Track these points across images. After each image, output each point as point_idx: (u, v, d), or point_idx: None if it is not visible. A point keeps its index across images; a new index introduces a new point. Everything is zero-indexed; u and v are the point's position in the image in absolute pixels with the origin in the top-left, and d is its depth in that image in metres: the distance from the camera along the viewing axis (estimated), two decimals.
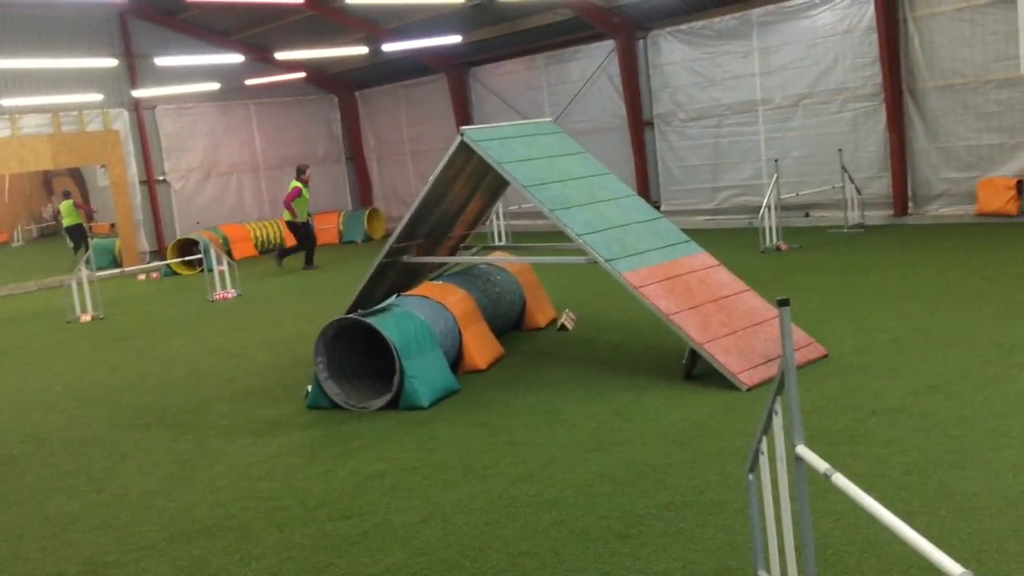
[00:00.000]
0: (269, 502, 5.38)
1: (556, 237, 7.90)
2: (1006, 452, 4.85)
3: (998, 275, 9.64)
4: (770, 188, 13.50)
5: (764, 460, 3.53)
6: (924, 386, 6.17)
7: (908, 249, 12.14)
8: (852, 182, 14.60)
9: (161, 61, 18.90)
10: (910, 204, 15.07)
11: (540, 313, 9.54)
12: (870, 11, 14.75)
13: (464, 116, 21.69)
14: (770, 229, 13.38)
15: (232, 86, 22.10)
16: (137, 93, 20.78)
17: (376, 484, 5.50)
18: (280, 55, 19.65)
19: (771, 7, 16.14)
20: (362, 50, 19.70)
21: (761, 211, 13.49)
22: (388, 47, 18.93)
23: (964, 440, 5.11)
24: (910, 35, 14.56)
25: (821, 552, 3.92)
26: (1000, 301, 8.37)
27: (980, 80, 13.92)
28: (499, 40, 19.88)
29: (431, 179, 8.26)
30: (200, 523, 5.18)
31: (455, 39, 18.61)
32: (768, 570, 3.67)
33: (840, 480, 2.95)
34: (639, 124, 18.60)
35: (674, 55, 17.80)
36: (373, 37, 19.90)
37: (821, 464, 3.11)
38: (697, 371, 6.96)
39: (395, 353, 6.92)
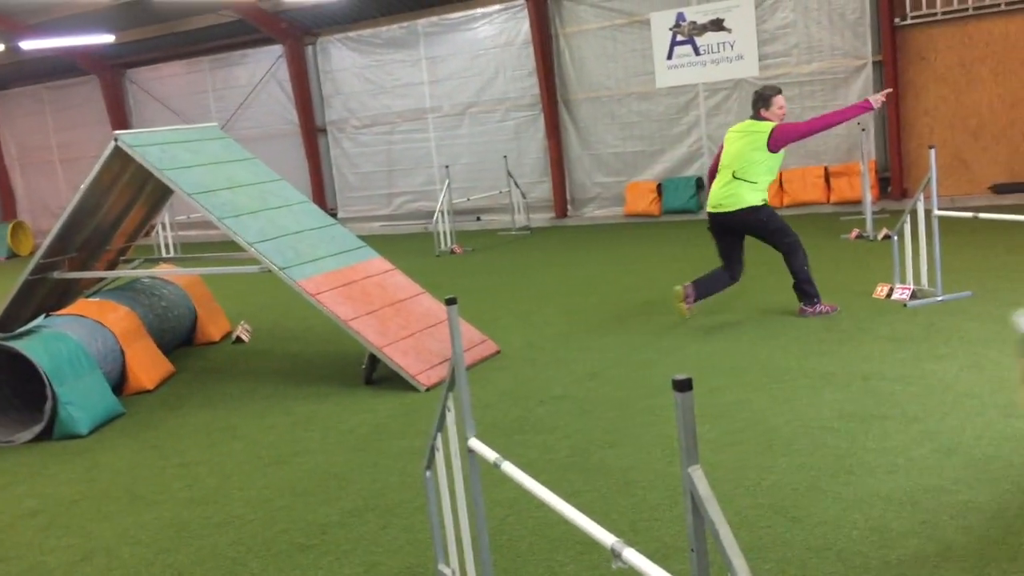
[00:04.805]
0: None
1: (229, 247, 7.61)
2: (653, 429, 5.35)
3: (645, 269, 10.65)
4: (442, 194, 13.93)
5: (440, 456, 3.62)
6: (584, 374, 6.65)
7: (569, 248, 13.07)
8: (517, 187, 15.45)
9: None
10: (569, 207, 16.24)
11: (213, 326, 9.12)
12: (525, 26, 15.70)
13: (121, 120, 20.25)
14: (444, 233, 13.79)
15: None
16: None
17: (27, 524, 4.96)
18: None
19: (435, 18, 16.67)
20: None
21: (435, 216, 13.88)
22: (28, 44, 17.19)
23: (618, 421, 5.57)
24: (562, 50, 15.69)
25: (496, 539, 4.09)
26: (648, 292, 9.24)
27: (622, 93, 15.31)
28: (157, 41, 18.79)
29: (82, 188, 7.62)
30: None
31: (107, 38, 17.30)
32: (448, 563, 3.77)
33: (508, 468, 3.10)
34: (312, 130, 18.41)
35: (344, 62, 17.83)
36: (9, 33, 17.96)
37: (491, 454, 3.24)
38: (377, 375, 7.00)
39: (45, 379, 6.29)
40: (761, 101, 7.49)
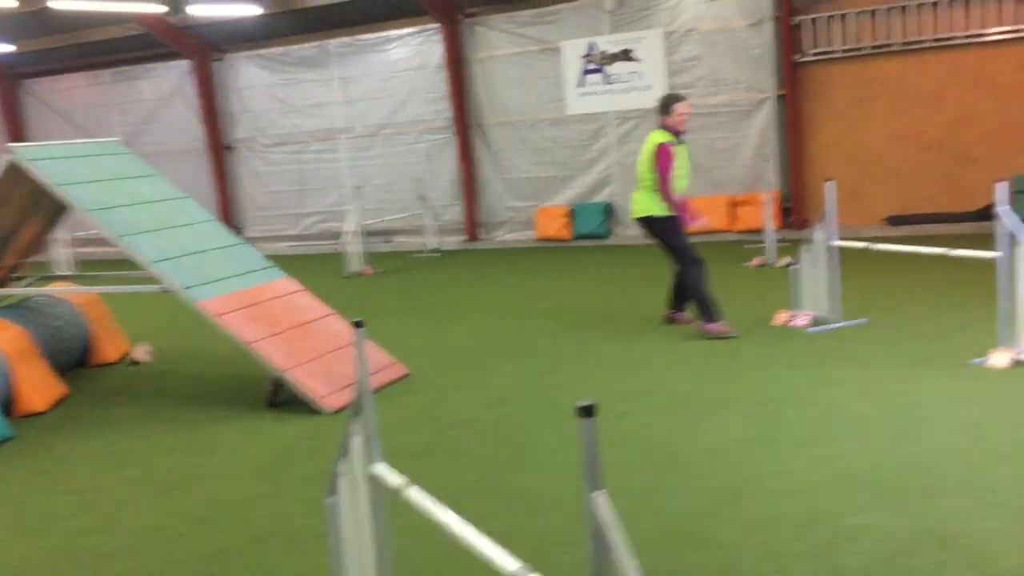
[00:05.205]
0: None
1: (132, 265, 7.38)
2: (562, 454, 5.36)
3: (554, 294, 10.73)
4: (353, 214, 13.80)
5: (344, 482, 3.55)
6: (493, 398, 6.65)
7: (480, 272, 13.08)
8: (429, 209, 15.43)
9: None
10: (480, 230, 16.28)
11: (110, 347, 8.81)
12: (439, 50, 15.75)
13: (17, 133, 19.52)
14: (354, 254, 13.66)
15: None
16: None
17: None
18: None
19: (347, 39, 16.59)
20: None
21: (345, 237, 13.74)
22: None
23: (528, 445, 5.58)
24: (475, 75, 15.77)
25: (400, 566, 4.02)
26: (556, 317, 9.30)
27: (534, 118, 15.46)
28: (58, 52, 18.20)
29: None
30: None
31: (7, 48, 16.68)
32: None
33: (412, 494, 3.07)
34: (219, 148, 18.06)
35: (254, 79, 17.58)
36: None
37: (396, 480, 3.21)
38: (283, 398, 6.86)
39: None
40: (662, 108, 7.84)
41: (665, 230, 7.82)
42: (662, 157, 7.65)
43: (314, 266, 14.45)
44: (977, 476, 4.53)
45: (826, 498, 4.43)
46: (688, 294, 7.97)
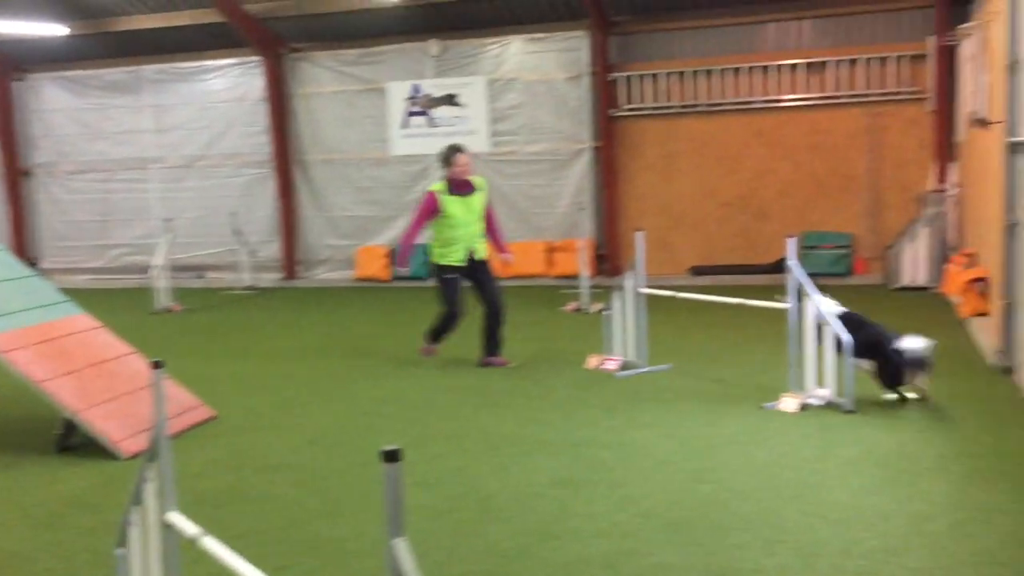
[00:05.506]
0: None
1: None
2: (373, 498, 5.27)
3: (372, 334, 10.63)
4: (162, 248, 13.21)
5: (136, 532, 3.35)
6: (305, 441, 6.47)
7: (296, 310, 12.78)
8: (245, 245, 14.98)
9: None
10: (299, 268, 15.95)
11: None
12: (260, 83, 15.44)
13: None
14: (163, 290, 13.05)
15: None
16: None
17: None
18: None
19: (164, 65, 16.00)
20: None
21: (153, 271, 13.12)
22: None
23: (338, 490, 5.45)
24: (297, 110, 15.55)
25: None
26: (373, 358, 9.21)
27: (358, 157, 15.39)
28: None
29: None
30: None
31: None
32: None
33: (209, 543, 2.93)
34: (15, 173, 16.91)
35: (58, 102, 16.63)
36: None
37: (192, 529, 3.06)
38: (75, 442, 6.41)
39: None
40: (443, 160, 8.32)
41: (436, 277, 8.40)
42: (421, 205, 8.24)
43: (119, 301, 13.71)
44: (767, 514, 4.79)
45: (630, 538, 4.56)
46: (440, 326, 8.52)
